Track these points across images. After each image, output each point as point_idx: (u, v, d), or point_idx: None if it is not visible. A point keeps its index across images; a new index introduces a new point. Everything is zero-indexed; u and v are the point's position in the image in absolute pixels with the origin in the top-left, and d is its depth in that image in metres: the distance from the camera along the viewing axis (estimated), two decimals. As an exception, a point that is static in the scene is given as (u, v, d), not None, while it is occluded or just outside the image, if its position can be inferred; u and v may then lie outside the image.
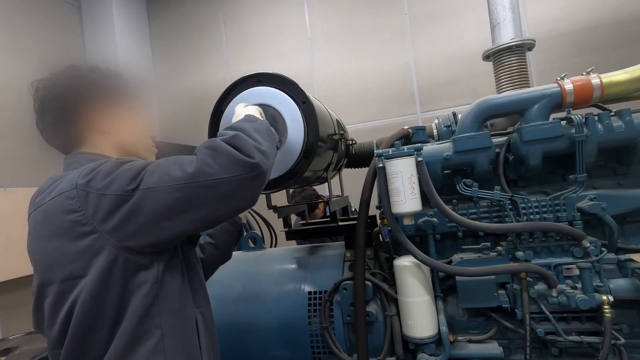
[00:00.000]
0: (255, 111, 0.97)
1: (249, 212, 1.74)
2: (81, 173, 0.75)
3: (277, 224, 1.84)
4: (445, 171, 1.30)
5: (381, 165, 1.16)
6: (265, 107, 1.11)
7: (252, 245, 1.81)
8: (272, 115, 1.11)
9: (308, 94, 1.12)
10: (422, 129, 1.44)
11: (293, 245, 1.75)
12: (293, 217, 1.88)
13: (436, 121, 1.53)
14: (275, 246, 1.91)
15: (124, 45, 4.33)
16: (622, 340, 1.05)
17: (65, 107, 0.83)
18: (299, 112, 1.10)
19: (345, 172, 1.85)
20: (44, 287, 0.76)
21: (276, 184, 1.17)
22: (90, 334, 0.72)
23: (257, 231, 1.85)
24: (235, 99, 1.14)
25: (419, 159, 1.13)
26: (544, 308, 1.11)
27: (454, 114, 1.48)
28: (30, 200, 0.85)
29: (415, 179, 1.12)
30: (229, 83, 1.17)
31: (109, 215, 0.71)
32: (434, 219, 1.27)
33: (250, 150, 0.73)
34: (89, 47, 4.31)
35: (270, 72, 1.13)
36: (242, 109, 1.01)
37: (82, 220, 0.72)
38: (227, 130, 0.80)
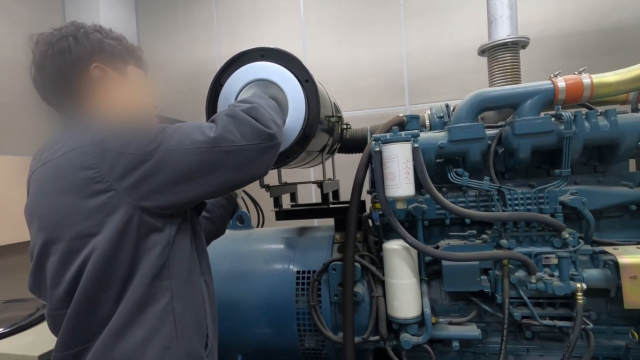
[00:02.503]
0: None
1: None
2: (97, 129, 0.73)
3: (265, 204, 1.84)
4: (438, 160, 1.33)
5: (378, 149, 1.18)
6: (267, 83, 1.10)
7: (239, 224, 1.81)
8: (273, 95, 1.10)
9: (310, 72, 1.12)
10: (416, 117, 1.47)
11: (281, 225, 1.76)
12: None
13: (428, 111, 1.56)
14: (262, 226, 1.91)
15: (108, 12, 4.13)
16: (591, 325, 1.13)
17: (69, 63, 0.80)
18: (301, 90, 1.10)
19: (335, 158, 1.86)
20: (49, 245, 0.73)
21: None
22: (100, 293, 0.71)
23: (245, 210, 1.85)
24: (236, 72, 1.12)
25: (415, 145, 1.15)
26: (522, 293, 1.18)
27: (447, 105, 1.51)
28: (35, 156, 0.82)
29: (410, 164, 1.14)
30: (218, 61, 1.15)
31: (126, 174, 0.70)
32: (424, 206, 1.31)
33: (268, 122, 0.77)
34: (69, 13, 4.08)
35: (274, 47, 1.12)
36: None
37: (97, 178, 0.70)
38: (241, 102, 0.82)
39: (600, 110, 1.20)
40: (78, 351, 0.73)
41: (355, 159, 1.40)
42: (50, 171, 0.75)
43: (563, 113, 1.16)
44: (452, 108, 1.48)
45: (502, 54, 1.58)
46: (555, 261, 1.16)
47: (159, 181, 0.71)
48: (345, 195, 1.59)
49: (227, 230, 1.74)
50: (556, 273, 1.15)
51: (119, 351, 0.70)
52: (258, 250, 1.57)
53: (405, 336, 1.23)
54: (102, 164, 0.70)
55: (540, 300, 1.20)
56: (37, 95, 0.85)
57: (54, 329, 0.77)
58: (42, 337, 1.23)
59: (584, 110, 1.20)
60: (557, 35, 3.29)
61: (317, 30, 3.85)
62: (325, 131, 1.32)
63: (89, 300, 0.71)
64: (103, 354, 0.70)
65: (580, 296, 1.09)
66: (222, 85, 1.14)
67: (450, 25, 3.53)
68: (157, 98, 1.00)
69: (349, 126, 1.61)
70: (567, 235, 1.14)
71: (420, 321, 1.24)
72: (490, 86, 1.61)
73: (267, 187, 1.44)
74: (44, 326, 1.34)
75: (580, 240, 1.17)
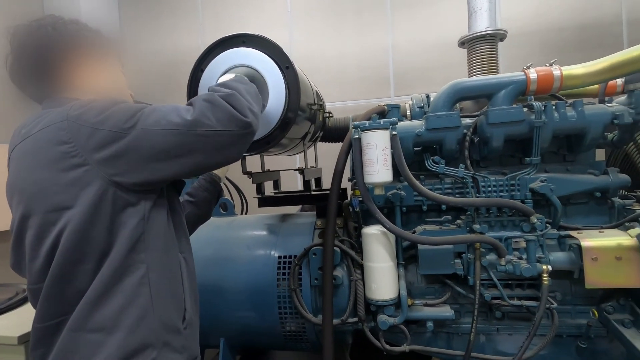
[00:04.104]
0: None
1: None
2: (72, 106, 0.75)
3: (249, 192, 1.85)
4: (416, 148, 1.37)
5: (357, 136, 1.21)
6: (248, 69, 1.11)
7: (222, 211, 1.82)
8: (253, 76, 1.11)
9: (291, 59, 1.13)
10: (397, 107, 1.50)
11: (265, 212, 1.78)
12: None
13: (410, 102, 1.59)
14: (246, 213, 1.93)
15: (89, -2, 4.01)
16: (555, 305, 1.20)
17: (48, 53, 0.81)
18: (281, 77, 1.11)
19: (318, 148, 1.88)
20: (27, 219, 0.75)
21: (254, 148, 1.19)
22: (76, 266, 0.73)
23: (228, 198, 1.86)
24: (217, 58, 1.13)
25: (394, 132, 1.19)
26: (492, 275, 1.23)
27: (427, 96, 1.55)
28: (14, 133, 0.83)
29: (388, 152, 1.18)
30: (202, 49, 1.16)
31: (100, 148, 0.72)
32: (402, 192, 1.35)
33: (244, 110, 0.79)
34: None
35: (255, 34, 1.13)
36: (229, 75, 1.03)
37: (72, 152, 0.71)
38: (219, 87, 0.84)
39: (569, 102, 1.26)
40: (57, 323, 0.75)
41: (339, 148, 1.42)
42: (28, 146, 0.77)
43: (534, 103, 1.21)
44: (432, 99, 1.52)
45: (480, 46, 1.62)
46: (524, 245, 1.22)
47: (133, 158, 0.73)
48: (328, 183, 1.62)
49: (211, 218, 1.76)
50: (524, 256, 1.21)
51: (95, 320, 0.73)
52: (241, 237, 1.59)
53: (382, 317, 1.27)
54: (77, 139, 0.72)
55: (510, 282, 1.26)
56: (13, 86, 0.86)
57: (35, 303, 0.78)
58: (21, 319, 1.24)
59: (554, 101, 1.26)
60: (537, 30, 3.36)
61: (303, 19, 3.84)
62: (306, 119, 1.34)
63: (64, 273, 0.73)
64: (80, 322, 0.73)
65: (545, 277, 1.15)
66: (202, 71, 1.15)
67: (436, 18, 3.56)
68: (135, 87, 1.01)
69: (330, 115, 1.64)
70: (535, 220, 1.20)
71: (397, 303, 1.28)
72: (469, 77, 1.65)
73: (250, 174, 1.46)
74: (23, 309, 1.35)
75: (548, 225, 1.23)
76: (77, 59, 0.84)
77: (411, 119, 1.52)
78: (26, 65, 0.82)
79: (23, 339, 1.10)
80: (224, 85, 0.86)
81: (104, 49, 0.91)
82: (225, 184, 1.92)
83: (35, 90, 0.86)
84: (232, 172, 1.41)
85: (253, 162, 1.55)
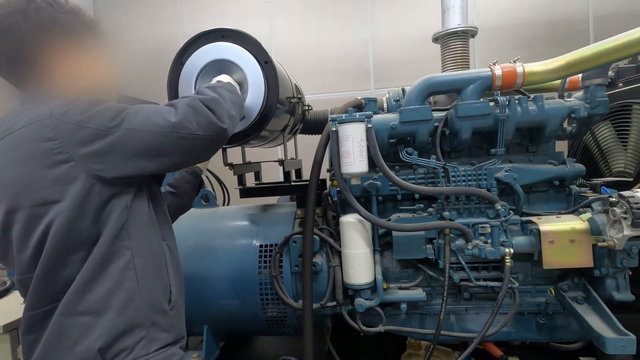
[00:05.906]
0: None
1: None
2: (56, 104, 0.76)
3: (231, 183, 1.88)
4: (391, 140, 1.44)
5: (334, 129, 1.26)
6: (228, 64, 1.14)
7: (204, 202, 1.85)
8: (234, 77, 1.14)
9: (271, 52, 1.17)
10: (374, 100, 1.56)
11: (247, 203, 1.82)
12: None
13: (387, 95, 1.65)
14: (228, 204, 1.96)
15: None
16: (517, 284, 1.30)
17: (18, 42, 0.79)
18: (260, 71, 1.15)
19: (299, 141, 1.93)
20: (13, 213, 0.77)
21: (234, 140, 1.22)
22: (65, 256, 0.76)
23: (210, 189, 1.89)
24: (197, 52, 1.15)
25: (369, 125, 1.24)
26: (460, 259, 1.32)
27: (403, 90, 1.61)
28: None
29: (364, 143, 1.23)
30: (181, 38, 1.17)
31: (86, 144, 0.75)
32: (378, 182, 1.41)
33: (223, 117, 0.87)
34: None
35: (234, 28, 1.16)
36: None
37: (57, 149, 0.74)
38: (207, 89, 0.92)
39: (531, 96, 1.35)
40: (47, 310, 0.78)
41: (319, 140, 1.47)
42: (10, 143, 0.78)
43: (499, 98, 1.29)
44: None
45: (453, 42, 1.69)
46: (489, 230, 1.31)
47: (117, 155, 0.77)
48: (308, 174, 1.67)
49: (193, 209, 1.78)
50: (489, 240, 1.30)
51: (84, 304, 0.76)
52: (222, 227, 1.62)
53: (359, 300, 1.35)
54: (62, 136, 0.74)
55: (476, 265, 1.36)
56: None
57: (24, 292, 0.81)
58: (3, 309, 1.25)
59: (517, 96, 1.34)
60: (511, 25, 3.47)
61: (284, 10, 3.83)
62: (285, 111, 1.38)
63: (54, 263, 0.76)
64: (70, 307, 0.76)
65: (508, 259, 1.25)
66: (183, 64, 1.17)
67: (415, 12, 3.63)
68: (118, 73, 0.99)
69: (310, 107, 1.68)
70: (499, 207, 1.29)
71: (373, 287, 1.36)
72: (442, 72, 1.73)
73: (231, 165, 1.49)
74: (7, 299, 1.36)
75: (511, 212, 1.32)
76: (53, 46, 0.82)
77: (388, 112, 1.59)
78: (1, 55, 0.80)
79: (8, 328, 1.12)
80: (211, 87, 0.93)
81: (83, 31, 0.88)
82: (207, 176, 1.94)
83: (15, 79, 0.85)
84: (214, 164, 1.44)
85: (234, 154, 1.58)
